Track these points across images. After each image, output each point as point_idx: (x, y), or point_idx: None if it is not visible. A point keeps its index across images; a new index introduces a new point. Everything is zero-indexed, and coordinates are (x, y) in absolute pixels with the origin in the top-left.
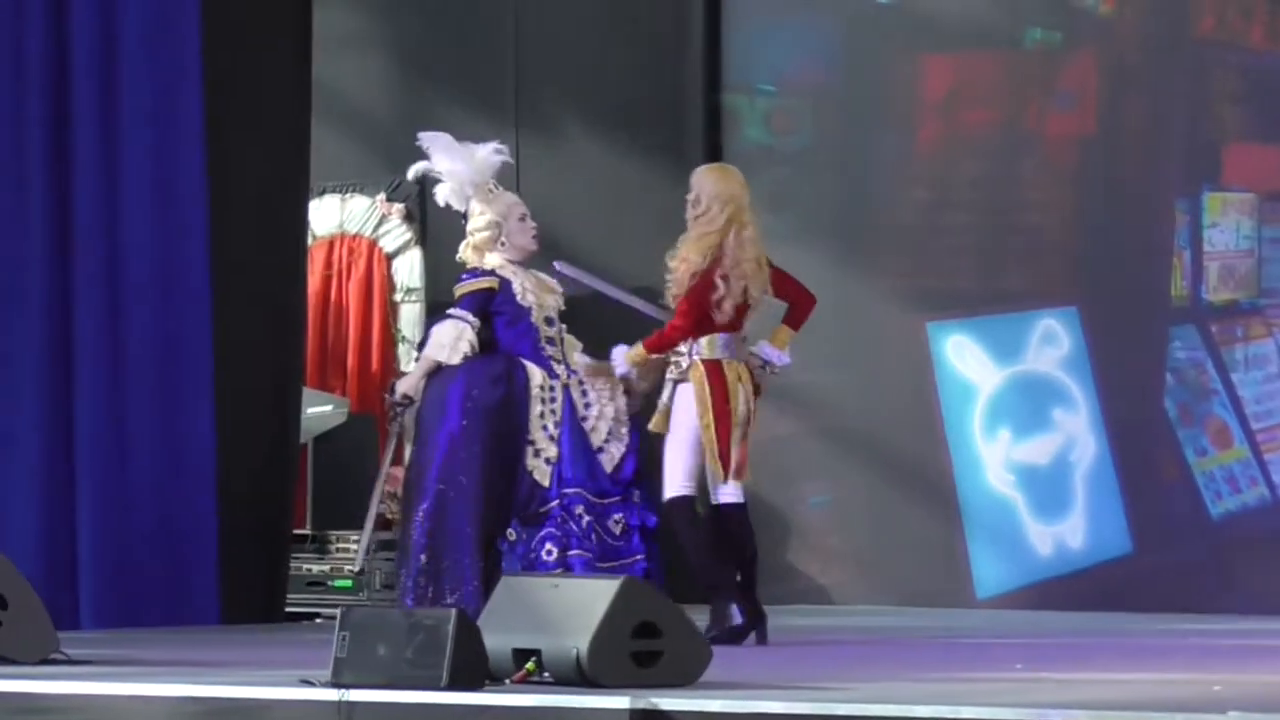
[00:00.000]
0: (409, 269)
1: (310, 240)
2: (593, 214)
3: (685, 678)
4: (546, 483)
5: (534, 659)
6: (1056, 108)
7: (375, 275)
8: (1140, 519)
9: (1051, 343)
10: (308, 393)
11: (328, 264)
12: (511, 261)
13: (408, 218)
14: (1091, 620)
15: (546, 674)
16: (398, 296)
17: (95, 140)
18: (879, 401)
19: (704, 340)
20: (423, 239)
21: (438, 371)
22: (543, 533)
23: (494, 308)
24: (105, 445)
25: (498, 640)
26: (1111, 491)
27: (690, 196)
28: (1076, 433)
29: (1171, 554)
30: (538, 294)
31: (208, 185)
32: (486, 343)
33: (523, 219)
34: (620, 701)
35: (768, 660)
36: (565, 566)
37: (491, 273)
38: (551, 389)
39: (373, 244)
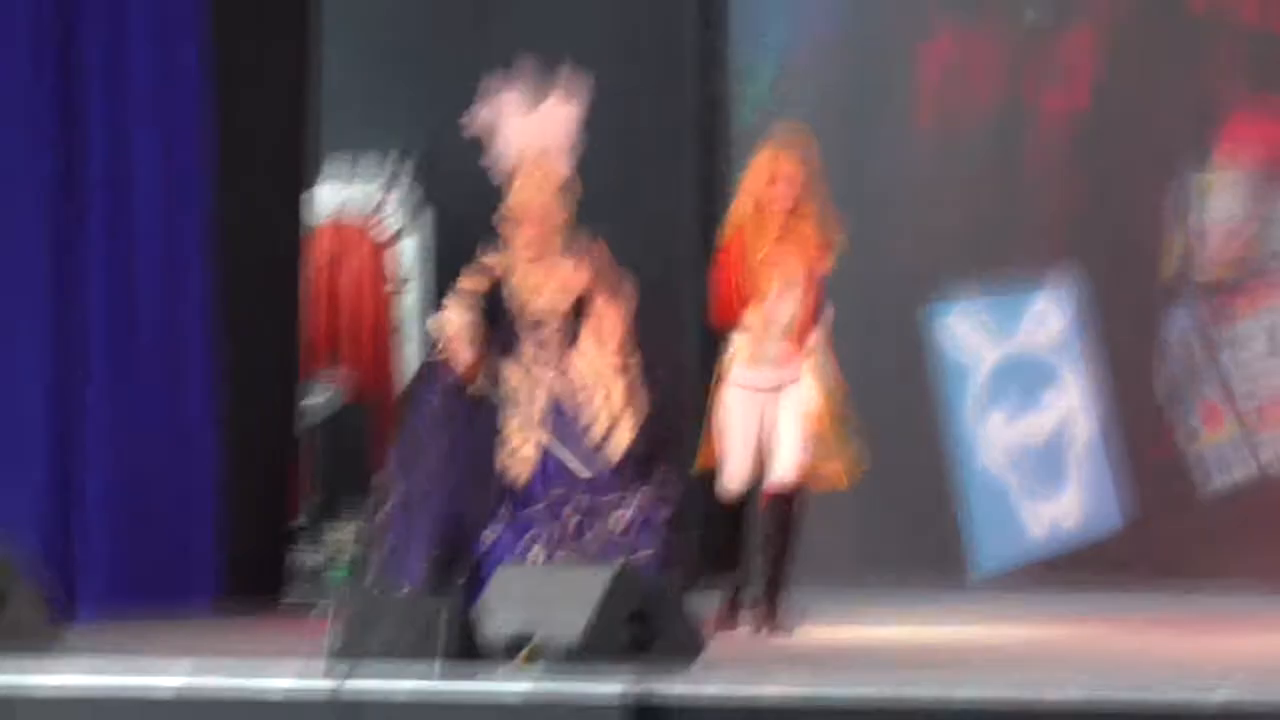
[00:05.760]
0: (406, 257)
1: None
2: (587, 201)
3: (680, 663)
4: (523, 482)
5: (529, 645)
6: (1052, 85)
7: (371, 263)
8: (1134, 497)
9: (1045, 322)
10: (304, 382)
11: (324, 251)
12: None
13: (404, 203)
14: (1085, 598)
15: (542, 660)
16: (394, 285)
17: (102, 140)
18: (873, 380)
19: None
20: (419, 224)
21: (418, 373)
22: (529, 534)
23: (489, 304)
24: (108, 432)
25: (493, 626)
26: (1105, 470)
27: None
28: (1070, 412)
29: (1164, 531)
30: (528, 295)
31: (209, 174)
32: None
33: (518, 225)
34: (614, 687)
35: (761, 644)
36: None
37: (493, 267)
38: (533, 388)
39: (368, 231)
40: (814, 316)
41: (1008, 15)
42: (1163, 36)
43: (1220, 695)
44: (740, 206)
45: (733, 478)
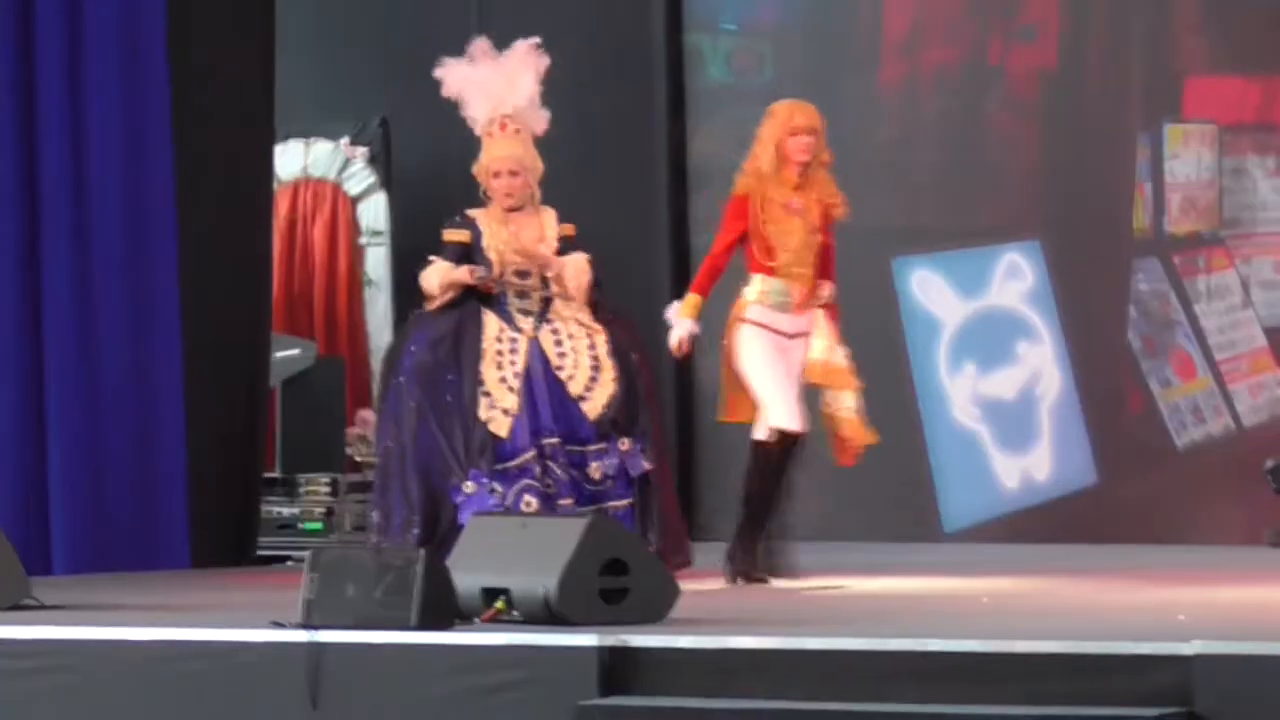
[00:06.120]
0: (374, 212)
1: (274, 186)
2: (554, 154)
3: (653, 614)
4: (504, 434)
5: (503, 598)
6: (1018, 43)
7: (340, 219)
8: (1106, 450)
9: (1015, 277)
10: (276, 337)
11: (292, 209)
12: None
13: (372, 161)
14: (1057, 551)
15: (515, 612)
16: (363, 240)
17: (62, 94)
18: (844, 335)
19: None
20: (388, 182)
21: (400, 328)
22: (519, 484)
23: (473, 256)
24: (76, 391)
25: (467, 580)
26: (1077, 424)
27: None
28: (1041, 366)
29: (1137, 485)
30: (503, 247)
31: (173, 133)
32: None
33: (496, 175)
34: (589, 639)
35: (735, 596)
36: None
37: (471, 222)
38: (513, 340)
39: (337, 188)
40: (830, 263)
41: None
42: None
43: (1193, 647)
44: (760, 154)
45: (789, 417)
